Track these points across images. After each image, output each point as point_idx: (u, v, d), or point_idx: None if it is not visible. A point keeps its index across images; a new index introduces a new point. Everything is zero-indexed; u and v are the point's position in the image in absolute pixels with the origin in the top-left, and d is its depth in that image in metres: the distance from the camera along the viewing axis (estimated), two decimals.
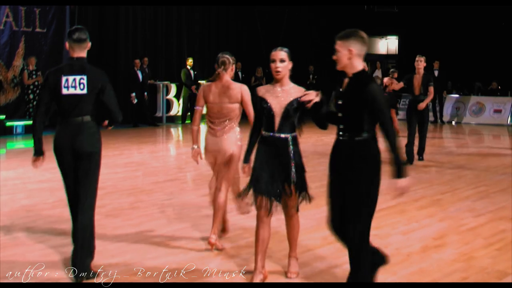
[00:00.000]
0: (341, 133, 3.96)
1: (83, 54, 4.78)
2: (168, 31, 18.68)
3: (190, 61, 17.72)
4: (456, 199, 7.64)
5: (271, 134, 4.46)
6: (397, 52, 23.60)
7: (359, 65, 3.94)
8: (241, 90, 5.29)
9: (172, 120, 17.92)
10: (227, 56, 5.40)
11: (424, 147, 10.84)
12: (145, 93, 16.76)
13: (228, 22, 20.25)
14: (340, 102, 3.97)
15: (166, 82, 17.77)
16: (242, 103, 5.29)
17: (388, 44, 24.32)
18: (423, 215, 6.77)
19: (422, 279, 4.73)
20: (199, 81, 18.22)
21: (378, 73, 20.49)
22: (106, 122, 4.75)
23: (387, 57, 24.16)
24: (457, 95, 19.82)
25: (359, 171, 3.84)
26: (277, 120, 4.43)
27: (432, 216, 6.70)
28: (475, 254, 5.33)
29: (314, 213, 6.78)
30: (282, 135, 4.45)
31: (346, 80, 4.00)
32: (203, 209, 6.96)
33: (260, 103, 4.50)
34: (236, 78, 18.68)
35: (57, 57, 15.80)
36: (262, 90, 4.55)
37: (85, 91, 4.57)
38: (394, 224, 6.34)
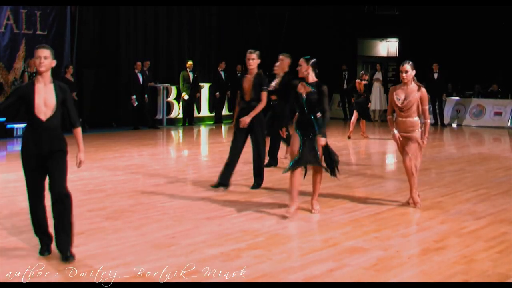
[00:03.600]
0: None
1: None
2: (168, 33, 18.69)
3: (189, 63, 17.74)
4: (456, 201, 7.63)
5: None
6: (397, 55, 23.60)
7: None
8: (421, 91, 6.96)
9: (173, 122, 17.92)
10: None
11: (261, 172, 8.18)
12: (146, 96, 16.76)
13: (229, 24, 20.25)
14: None
15: (166, 85, 17.78)
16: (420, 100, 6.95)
17: (388, 46, 24.32)
18: (424, 217, 6.76)
19: (423, 281, 4.72)
20: (199, 83, 18.24)
21: (378, 75, 20.50)
22: None
23: (388, 59, 24.15)
24: (457, 98, 19.82)
25: None
26: None
27: (432, 219, 6.70)
28: (476, 257, 5.33)
29: (314, 216, 6.79)
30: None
31: None
32: (204, 211, 6.96)
33: None
34: (235, 80, 18.90)
35: (57, 59, 15.77)
36: None
37: None
38: (394, 227, 6.34)
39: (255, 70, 7.91)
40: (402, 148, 7.18)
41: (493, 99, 19.21)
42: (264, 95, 7.91)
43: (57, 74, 15.67)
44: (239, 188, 8.28)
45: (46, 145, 5.02)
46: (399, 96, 6.99)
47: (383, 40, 24.15)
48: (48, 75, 5.08)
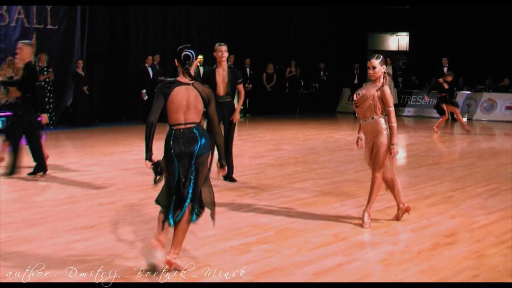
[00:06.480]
0: None
1: None
2: (178, 27, 18.68)
3: (200, 58, 17.73)
4: (467, 196, 7.60)
5: None
6: (407, 49, 23.51)
7: None
8: (381, 90, 6.05)
9: None
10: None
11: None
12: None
13: (238, 18, 20.21)
14: None
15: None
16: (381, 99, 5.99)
17: (399, 41, 24.23)
18: (434, 212, 6.74)
19: (433, 276, 4.71)
20: None
21: (388, 69, 20.41)
22: None
23: (398, 53, 24.06)
24: (468, 92, 19.70)
25: None
26: None
27: (443, 213, 6.67)
28: (486, 252, 5.31)
29: (324, 210, 6.78)
30: None
31: None
32: None
33: None
34: (244, 75, 18.91)
35: (68, 54, 15.87)
36: None
37: None
38: (404, 221, 6.32)
39: (225, 64, 7.98)
40: (368, 157, 6.20)
41: (504, 93, 19.07)
42: (241, 87, 8.14)
43: (68, 68, 15.78)
44: (249, 183, 8.28)
45: None
46: (360, 91, 6.14)
47: (393, 34, 24.06)
48: None
